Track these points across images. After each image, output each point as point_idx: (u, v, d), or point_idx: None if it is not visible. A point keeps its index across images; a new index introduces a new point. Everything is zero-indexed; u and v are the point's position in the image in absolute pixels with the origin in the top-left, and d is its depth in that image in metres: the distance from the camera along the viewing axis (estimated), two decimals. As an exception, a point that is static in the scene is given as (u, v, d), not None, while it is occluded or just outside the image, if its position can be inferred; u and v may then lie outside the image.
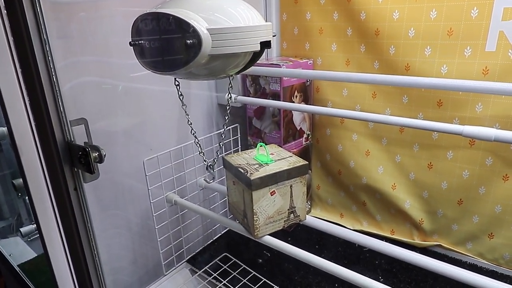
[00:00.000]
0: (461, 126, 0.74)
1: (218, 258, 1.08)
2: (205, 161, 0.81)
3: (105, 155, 0.56)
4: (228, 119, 0.76)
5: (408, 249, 0.73)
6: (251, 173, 0.74)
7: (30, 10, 0.48)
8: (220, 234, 1.19)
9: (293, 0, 1.13)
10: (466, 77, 0.88)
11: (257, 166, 0.78)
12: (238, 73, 0.66)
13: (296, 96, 1.11)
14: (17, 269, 1.09)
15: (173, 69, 0.57)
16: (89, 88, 0.81)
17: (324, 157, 1.24)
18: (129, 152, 0.93)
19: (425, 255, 0.71)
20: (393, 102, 1.03)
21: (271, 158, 0.82)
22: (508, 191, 0.92)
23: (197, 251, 1.12)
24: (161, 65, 0.59)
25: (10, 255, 1.16)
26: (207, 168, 0.80)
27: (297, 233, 1.19)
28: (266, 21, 0.61)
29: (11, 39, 0.50)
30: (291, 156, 0.82)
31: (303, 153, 1.20)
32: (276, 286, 0.97)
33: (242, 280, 0.98)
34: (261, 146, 0.84)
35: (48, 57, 0.51)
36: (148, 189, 0.92)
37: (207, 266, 1.05)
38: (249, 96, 1.14)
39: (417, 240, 1.11)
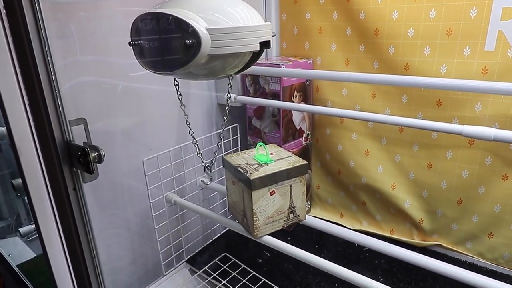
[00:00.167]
0: (461, 126, 0.74)
1: (218, 258, 1.08)
2: (202, 162, 0.81)
3: (104, 155, 0.55)
4: (228, 119, 0.76)
5: (408, 249, 0.73)
6: (250, 173, 0.74)
7: (29, 10, 0.48)
8: (219, 234, 1.19)
9: (292, 0, 1.13)
10: (465, 77, 0.88)
11: (257, 166, 0.78)
12: (237, 73, 0.66)
13: (296, 96, 1.11)
14: (16, 269, 1.08)
15: (173, 69, 0.57)
16: (88, 88, 0.81)
17: (323, 157, 1.24)
18: (129, 152, 0.92)
19: (425, 254, 0.71)
20: (392, 102, 1.03)
21: (270, 158, 0.81)
22: (508, 190, 0.93)
23: (197, 251, 1.12)
24: (161, 65, 0.59)
25: (9, 255, 1.15)
26: (204, 170, 0.80)
27: (297, 233, 1.19)
28: (265, 21, 0.61)
29: (10, 39, 0.49)
30: (290, 156, 0.82)
31: (303, 153, 1.20)
32: (275, 286, 0.97)
33: (242, 280, 0.98)
34: (260, 146, 0.84)
35: (48, 57, 0.51)
36: (148, 189, 0.92)
37: (206, 266, 1.05)
38: (248, 96, 1.14)
39: (416, 240, 1.12)
